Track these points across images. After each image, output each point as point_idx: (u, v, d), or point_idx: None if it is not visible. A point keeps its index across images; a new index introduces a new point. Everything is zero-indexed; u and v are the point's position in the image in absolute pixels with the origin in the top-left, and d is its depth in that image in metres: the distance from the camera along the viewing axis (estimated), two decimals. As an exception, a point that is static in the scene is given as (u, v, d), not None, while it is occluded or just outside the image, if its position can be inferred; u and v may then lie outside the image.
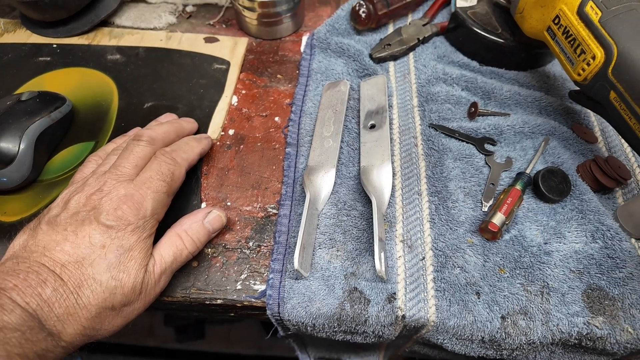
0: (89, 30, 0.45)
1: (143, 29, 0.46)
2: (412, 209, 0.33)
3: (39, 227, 0.25)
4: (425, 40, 0.44)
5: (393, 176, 0.34)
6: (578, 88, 0.34)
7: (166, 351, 0.83)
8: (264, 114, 0.39)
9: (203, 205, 0.34)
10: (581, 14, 0.31)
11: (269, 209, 0.34)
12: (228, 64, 0.43)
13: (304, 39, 0.46)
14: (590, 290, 0.29)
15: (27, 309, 0.21)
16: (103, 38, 0.45)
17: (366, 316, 0.28)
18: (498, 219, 0.30)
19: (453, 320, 0.28)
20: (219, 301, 0.29)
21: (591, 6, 0.30)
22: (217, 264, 0.31)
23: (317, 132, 0.37)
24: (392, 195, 0.33)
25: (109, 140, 0.36)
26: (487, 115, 0.39)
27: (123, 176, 0.27)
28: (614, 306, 0.29)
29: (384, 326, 0.28)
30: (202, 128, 0.38)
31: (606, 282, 0.30)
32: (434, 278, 0.30)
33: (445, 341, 0.30)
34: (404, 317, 0.28)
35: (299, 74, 0.42)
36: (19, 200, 0.33)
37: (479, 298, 0.29)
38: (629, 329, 0.28)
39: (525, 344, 0.28)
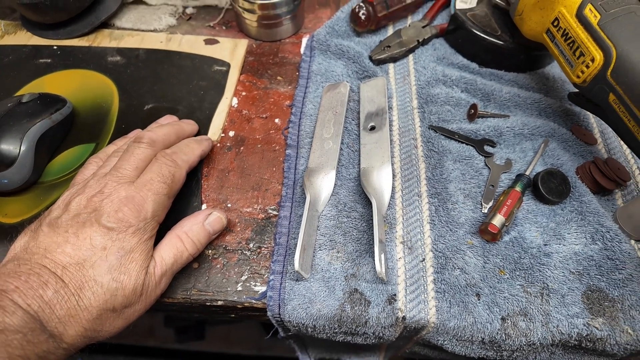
0: (89, 32, 0.45)
1: (143, 31, 0.46)
2: (412, 211, 0.33)
3: (40, 229, 0.25)
4: (424, 42, 0.44)
5: (393, 178, 0.34)
6: (577, 90, 0.34)
7: (166, 351, 0.83)
8: (264, 116, 0.40)
9: (203, 206, 0.34)
10: (580, 17, 0.31)
11: (270, 211, 0.34)
12: (228, 65, 0.43)
13: (304, 40, 0.46)
14: (590, 292, 0.29)
15: (29, 311, 0.21)
16: (103, 40, 0.45)
17: (366, 317, 0.28)
18: (498, 220, 0.31)
19: (453, 322, 0.28)
20: (219, 302, 0.29)
21: (590, 9, 0.30)
22: (218, 266, 0.31)
23: (317, 133, 0.37)
24: (392, 196, 0.33)
25: (110, 142, 0.36)
26: (487, 117, 0.39)
27: (124, 178, 0.27)
28: (614, 307, 0.29)
29: (385, 327, 0.28)
30: (203, 130, 0.38)
31: (606, 284, 0.30)
32: (434, 279, 0.30)
33: (445, 342, 0.30)
34: (404, 318, 0.28)
35: (298, 75, 0.42)
36: (19, 202, 0.33)
37: (479, 299, 0.29)
38: (629, 330, 0.28)
39: (525, 345, 0.28)
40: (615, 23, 0.29)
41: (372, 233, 0.31)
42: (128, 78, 0.42)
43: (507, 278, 0.30)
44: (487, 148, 0.37)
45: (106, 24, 0.46)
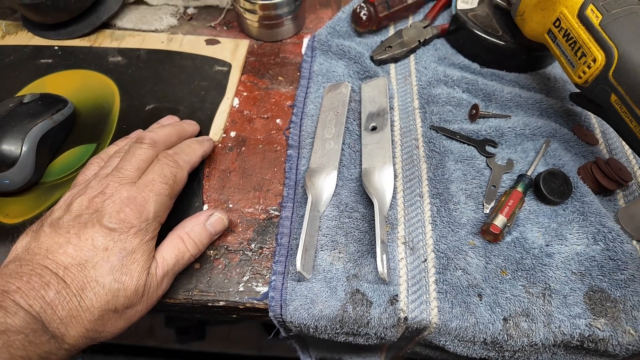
0: (90, 32, 0.45)
1: (144, 31, 0.46)
2: (413, 211, 0.33)
3: (41, 230, 0.25)
4: (426, 43, 0.44)
5: (394, 178, 0.34)
6: (578, 90, 0.34)
7: (167, 351, 0.84)
8: (266, 116, 0.40)
9: (205, 207, 0.34)
10: (582, 17, 0.31)
11: (271, 211, 0.34)
12: (229, 66, 0.43)
13: (305, 41, 0.46)
14: (592, 292, 0.29)
15: (31, 312, 0.21)
16: (104, 40, 0.45)
17: (368, 318, 0.28)
18: (500, 221, 0.31)
19: (455, 322, 0.28)
20: (221, 303, 0.29)
21: (592, 9, 0.30)
22: (220, 266, 0.31)
23: (319, 134, 0.37)
24: (394, 197, 0.33)
25: (111, 143, 0.36)
26: (488, 117, 0.39)
27: (125, 179, 0.27)
28: (616, 308, 0.29)
29: (386, 328, 0.28)
30: (204, 130, 0.38)
31: (608, 284, 0.30)
32: (436, 280, 0.30)
33: (447, 343, 0.30)
34: (406, 319, 0.28)
35: (300, 76, 0.42)
36: (21, 202, 0.33)
37: (481, 300, 0.29)
38: (631, 331, 0.28)
39: (527, 345, 0.28)
40: (617, 23, 0.29)
41: (374, 234, 0.31)
42: (129, 78, 0.42)
43: (509, 278, 0.30)
44: (489, 148, 0.36)
45: (107, 24, 0.46)
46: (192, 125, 0.36)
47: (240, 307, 0.30)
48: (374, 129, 0.37)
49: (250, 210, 0.34)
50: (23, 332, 0.20)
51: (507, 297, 0.29)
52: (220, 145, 0.37)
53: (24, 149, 0.32)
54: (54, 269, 0.23)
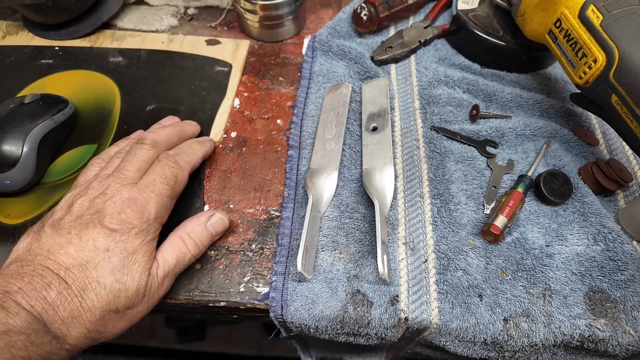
0: (91, 32, 0.45)
1: (145, 32, 0.46)
2: (414, 212, 0.33)
3: (42, 230, 0.25)
4: (426, 43, 0.44)
5: (395, 179, 0.34)
6: (579, 91, 0.34)
7: (167, 352, 0.84)
8: (266, 117, 0.40)
9: (206, 208, 0.34)
10: (582, 18, 0.31)
11: (272, 212, 0.34)
12: (230, 66, 0.43)
13: (306, 41, 0.46)
14: (592, 293, 0.29)
15: (32, 312, 0.21)
16: (105, 40, 0.45)
17: (369, 318, 0.28)
18: (500, 221, 0.31)
19: (455, 323, 0.28)
20: (222, 303, 0.29)
21: (592, 10, 0.30)
22: (220, 267, 0.31)
23: (319, 134, 0.37)
24: (395, 197, 0.33)
25: (112, 143, 0.36)
26: (489, 117, 0.39)
27: (126, 179, 0.27)
28: (616, 308, 0.29)
29: (387, 328, 0.28)
30: (205, 131, 0.38)
31: (608, 285, 0.30)
32: (436, 280, 0.30)
33: (447, 343, 0.30)
34: (406, 319, 0.28)
35: (300, 76, 0.42)
36: (22, 202, 0.33)
37: (481, 300, 0.29)
38: (631, 331, 0.28)
39: (527, 346, 0.28)
40: (618, 24, 0.29)
41: (375, 234, 0.31)
42: (130, 79, 0.42)
43: (510, 279, 0.30)
44: (489, 149, 0.37)
45: (108, 25, 0.46)
46: (192, 126, 0.36)
47: (241, 307, 0.30)
48: (374, 129, 0.37)
49: (251, 211, 0.34)
50: (25, 332, 0.20)
51: (507, 298, 0.29)
52: (221, 145, 0.37)
53: (25, 149, 0.32)
54: (55, 270, 0.23)
